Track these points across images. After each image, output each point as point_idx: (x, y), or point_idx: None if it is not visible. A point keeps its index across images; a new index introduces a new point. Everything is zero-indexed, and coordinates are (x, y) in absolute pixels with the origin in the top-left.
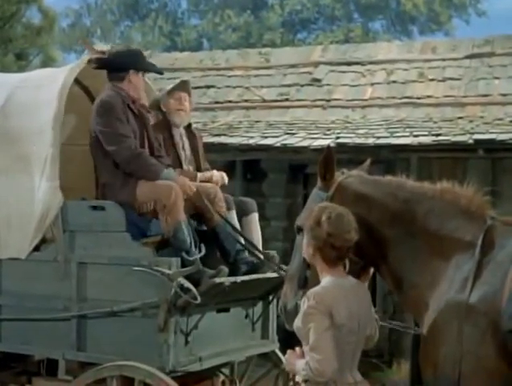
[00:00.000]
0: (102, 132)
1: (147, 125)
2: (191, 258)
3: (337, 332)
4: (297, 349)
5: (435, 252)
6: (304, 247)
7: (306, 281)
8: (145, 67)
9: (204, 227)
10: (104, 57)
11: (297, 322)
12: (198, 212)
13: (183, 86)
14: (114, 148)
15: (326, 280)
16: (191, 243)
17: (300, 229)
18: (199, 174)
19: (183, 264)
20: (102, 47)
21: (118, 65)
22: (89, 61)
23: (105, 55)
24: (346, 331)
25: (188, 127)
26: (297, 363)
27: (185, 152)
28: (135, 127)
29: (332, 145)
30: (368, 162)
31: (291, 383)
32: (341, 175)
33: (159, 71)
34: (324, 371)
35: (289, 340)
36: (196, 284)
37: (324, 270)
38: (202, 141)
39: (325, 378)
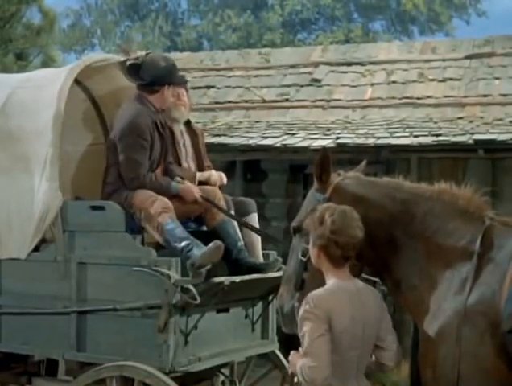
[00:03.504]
0: (122, 151)
1: (171, 136)
2: (197, 270)
3: (337, 338)
4: (301, 349)
5: (434, 253)
6: (310, 249)
7: (303, 283)
8: (179, 80)
9: (205, 228)
10: (137, 63)
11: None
12: (199, 214)
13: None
14: (127, 173)
15: (330, 283)
16: (188, 237)
17: (296, 230)
18: (198, 174)
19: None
20: (137, 53)
21: (154, 78)
22: (122, 63)
23: (139, 60)
24: (348, 337)
25: (188, 124)
26: (299, 364)
27: (186, 149)
28: (157, 143)
29: (332, 145)
30: (364, 162)
31: (295, 381)
32: (338, 177)
33: (186, 82)
34: (316, 378)
35: (289, 341)
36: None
37: (329, 272)
38: (204, 138)
39: (316, 385)
